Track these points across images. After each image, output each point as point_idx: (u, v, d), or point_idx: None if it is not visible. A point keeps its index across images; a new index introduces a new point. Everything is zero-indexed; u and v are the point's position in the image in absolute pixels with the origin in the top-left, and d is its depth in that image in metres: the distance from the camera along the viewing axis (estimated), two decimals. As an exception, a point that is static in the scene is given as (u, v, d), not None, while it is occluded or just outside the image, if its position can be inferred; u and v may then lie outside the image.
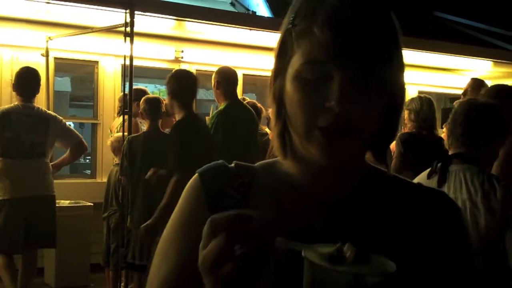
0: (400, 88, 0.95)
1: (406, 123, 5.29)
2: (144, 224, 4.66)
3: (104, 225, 5.85)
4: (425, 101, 5.03)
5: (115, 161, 5.91)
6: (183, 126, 4.67)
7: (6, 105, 5.53)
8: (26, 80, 5.34)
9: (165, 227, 1.04)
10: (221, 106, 5.18)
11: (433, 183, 2.70)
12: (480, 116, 2.72)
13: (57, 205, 6.31)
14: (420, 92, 8.41)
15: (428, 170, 2.80)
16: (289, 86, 0.92)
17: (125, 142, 5.29)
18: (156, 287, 0.97)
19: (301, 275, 0.79)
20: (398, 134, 5.31)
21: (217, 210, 0.79)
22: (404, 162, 4.77)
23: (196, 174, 1.04)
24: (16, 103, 5.30)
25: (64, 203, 6.50)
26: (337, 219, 0.94)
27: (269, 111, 1.03)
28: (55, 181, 5.41)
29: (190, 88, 4.81)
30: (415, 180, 2.78)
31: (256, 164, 1.06)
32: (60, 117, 5.51)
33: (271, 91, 0.98)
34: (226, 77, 5.22)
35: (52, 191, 5.41)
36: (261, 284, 0.75)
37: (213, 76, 5.28)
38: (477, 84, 5.39)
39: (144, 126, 5.67)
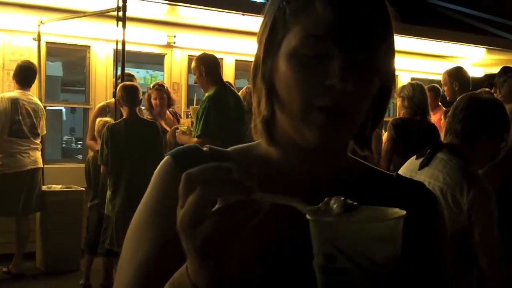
0: (391, 73, 0.94)
1: (399, 111, 5.33)
2: None
3: (93, 212, 5.78)
4: (417, 87, 5.09)
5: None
6: None
7: None
8: None
9: (135, 214, 0.97)
10: (211, 91, 5.22)
11: (417, 164, 2.67)
12: (479, 112, 2.61)
13: (48, 189, 6.35)
14: (413, 79, 8.42)
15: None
16: (283, 65, 0.89)
17: (105, 129, 5.24)
18: (133, 274, 0.91)
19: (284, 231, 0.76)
20: (390, 120, 5.34)
21: None
22: (396, 147, 4.81)
23: (168, 157, 0.99)
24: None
25: (56, 187, 6.48)
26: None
27: (252, 95, 0.96)
28: (46, 166, 5.36)
29: None
30: (407, 162, 2.80)
31: (229, 149, 1.01)
32: None
33: (258, 74, 0.94)
34: (210, 63, 5.32)
35: None
36: (243, 240, 0.71)
37: (195, 65, 5.32)
38: (453, 73, 5.59)
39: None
